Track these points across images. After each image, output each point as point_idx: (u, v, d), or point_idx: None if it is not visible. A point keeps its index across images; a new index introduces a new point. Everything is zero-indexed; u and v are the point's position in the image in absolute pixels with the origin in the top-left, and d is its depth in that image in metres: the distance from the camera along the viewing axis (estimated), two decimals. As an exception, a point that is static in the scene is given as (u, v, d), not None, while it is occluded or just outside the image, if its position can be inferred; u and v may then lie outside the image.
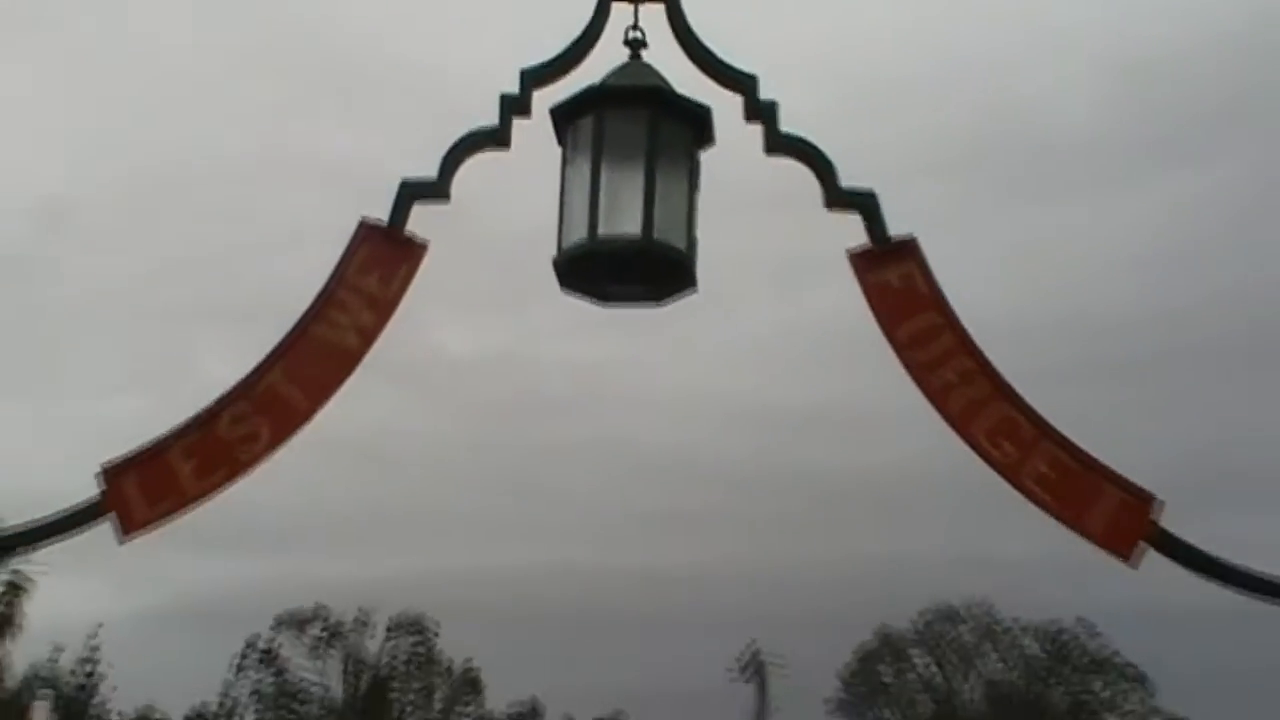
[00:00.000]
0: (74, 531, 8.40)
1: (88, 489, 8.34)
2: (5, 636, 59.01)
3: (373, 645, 70.51)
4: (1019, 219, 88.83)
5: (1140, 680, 67.57)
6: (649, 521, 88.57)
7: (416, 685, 71.01)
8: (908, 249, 8.71)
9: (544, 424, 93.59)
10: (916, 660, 70.24)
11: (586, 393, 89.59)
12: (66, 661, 62.01)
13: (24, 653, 58.07)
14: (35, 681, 40.02)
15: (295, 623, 69.41)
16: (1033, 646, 68.83)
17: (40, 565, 55.96)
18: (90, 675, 64.39)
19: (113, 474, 8.26)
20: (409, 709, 70.81)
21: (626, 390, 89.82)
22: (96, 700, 64.92)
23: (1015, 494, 8.66)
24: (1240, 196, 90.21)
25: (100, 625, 64.31)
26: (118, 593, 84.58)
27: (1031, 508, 8.68)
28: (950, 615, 68.97)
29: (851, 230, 8.75)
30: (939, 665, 70.13)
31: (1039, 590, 71.52)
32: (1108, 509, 8.43)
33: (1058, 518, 8.48)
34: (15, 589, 58.83)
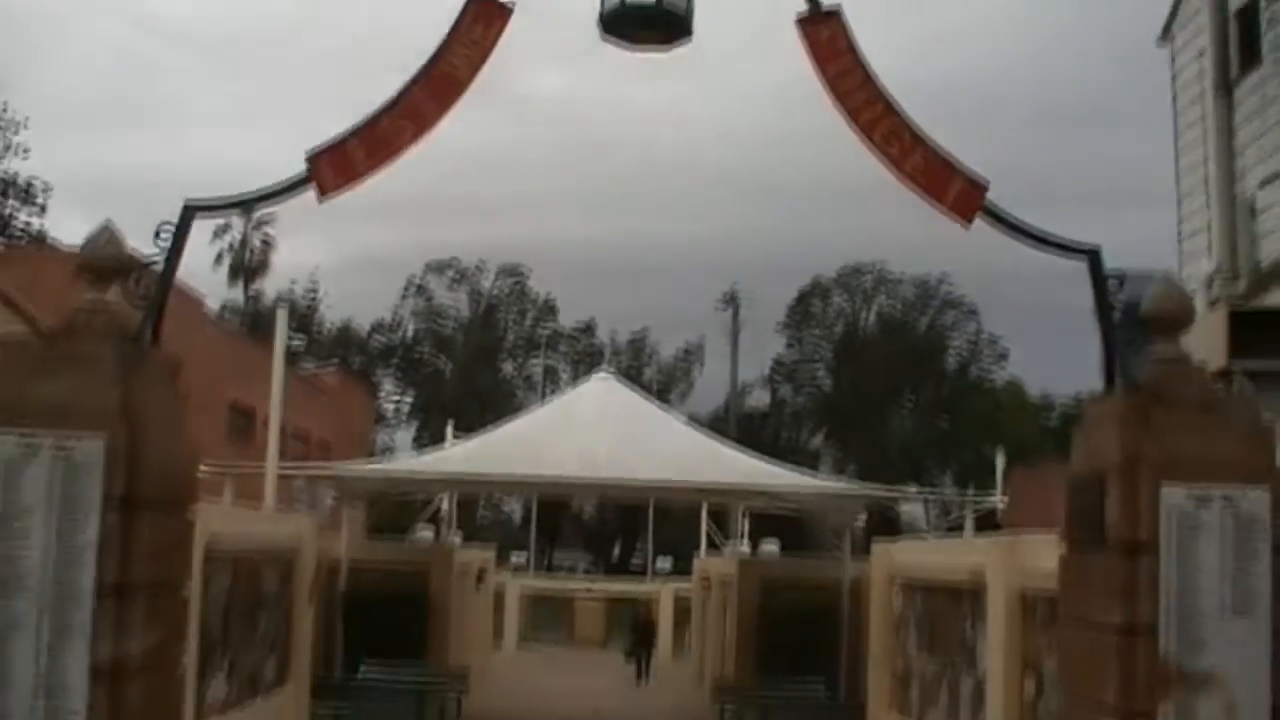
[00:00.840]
0: (290, 194, 8.50)
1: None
2: (261, 275, 60.16)
3: (486, 283, 71.19)
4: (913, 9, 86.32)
5: (974, 313, 68.23)
6: (672, 205, 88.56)
7: (514, 309, 71.86)
8: (834, 14, 8.60)
9: (601, 138, 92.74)
10: (835, 299, 70.60)
11: (631, 119, 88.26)
12: (298, 290, 63.23)
13: (272, 285, 59.60)
14: (279, 302, 40.66)
15: (438, 268, 70.21)
16: (909, 291, 69.18)
17: (281, 229, 57.16)
18: (313, 300, 65.72)
19: (313, 156, 8.40)
20: (510, 325, 71.76)
21: (658, 118, 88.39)
22: (316, 317, 66.17)
23: (899, 182, 8.61)
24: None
25: (317, 268, 65.53)
26: (330, 248, 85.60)
27: (909, 193, 8.63)
28: (859, 269, 69.23)
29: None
30: (850, 302, 70.51)
31: (916, 253, 71.95)
32: (957, 190, 8.45)
33: (924, 196, 8.49)
34: (266, 244, 59.91)
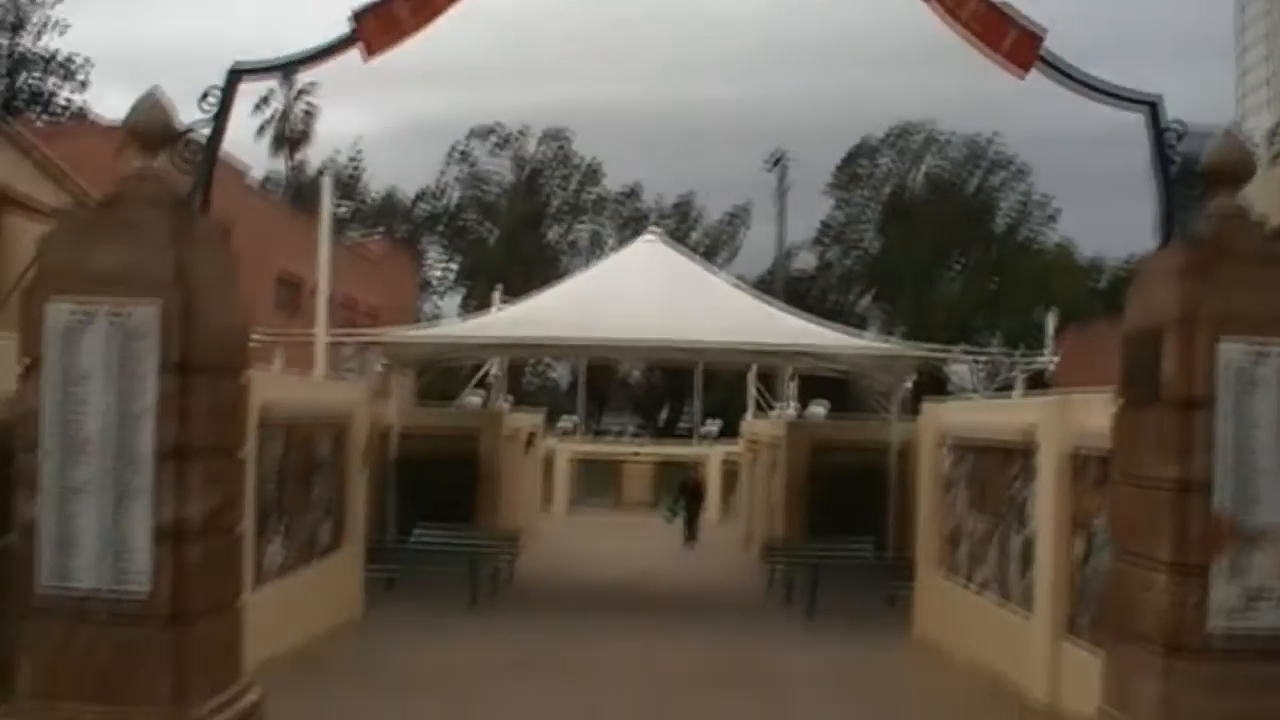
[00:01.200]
0: (336, 54, 8.45)
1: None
2: (304, 144, 60.09)
3: (530, 148, 70.59)
4: None
5: (1024, 173, 66.95)
6: (718, 67, 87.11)
7: (559, 174, 71.29)
8: None
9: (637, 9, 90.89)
10: (883, 159, 69.40)
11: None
12: (342, 160, 63.13)
13: (315, 156, 59.61)
14: (324, 170, 40.57)
15: (482, 134, 69.49)
16: (959, 151, 67.84)
17: (323, 98, 56.89)
18: (356, 169, 65.61)
19: (358, 15, 8.35)
20: (554, 190, 71.34)
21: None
22: (360, 185, 66.21)
23: (954, 32, 8.41)
24: None
25: (360, 137, 65.34)
26: (372, 117, 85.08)
27: (964, 44, 8.44)
28: (908, 129, 67.83)
29: None
30: (898, 162, 69.35)
31: (968, 113, 70.66)
32: (1013, 39, 8.26)
33: (979, 45, 8.31)
34: (308, 114, 59.67)
